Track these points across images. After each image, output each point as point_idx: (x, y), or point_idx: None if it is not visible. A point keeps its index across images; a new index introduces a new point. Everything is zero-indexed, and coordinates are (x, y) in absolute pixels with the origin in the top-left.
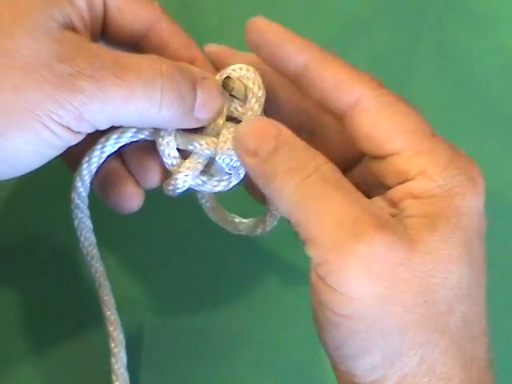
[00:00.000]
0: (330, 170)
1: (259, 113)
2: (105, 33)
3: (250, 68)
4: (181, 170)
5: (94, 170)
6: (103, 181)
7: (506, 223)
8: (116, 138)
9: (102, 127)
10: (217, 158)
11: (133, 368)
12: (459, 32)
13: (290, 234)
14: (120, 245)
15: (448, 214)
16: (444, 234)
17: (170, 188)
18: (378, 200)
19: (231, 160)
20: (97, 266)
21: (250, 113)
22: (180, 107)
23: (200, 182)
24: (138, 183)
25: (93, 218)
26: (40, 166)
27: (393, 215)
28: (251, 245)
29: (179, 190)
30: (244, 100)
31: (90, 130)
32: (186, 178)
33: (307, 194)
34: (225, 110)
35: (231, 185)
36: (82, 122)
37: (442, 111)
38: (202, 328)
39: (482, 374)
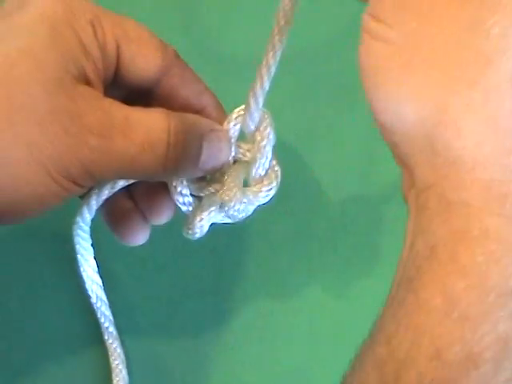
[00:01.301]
0: None
1: (269, 156)
2: (117, 77)
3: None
4: (196, 217)
5: (102, 202)
6: (111, 213)
7: None
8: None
9: (106, 181)
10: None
11: (132, 358)
12: None
13: (290, 234)
14: (120, 245)
15: None
16: None
17: (190, 234)
18: None
19: (241, 204)
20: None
21: (258, 156)
22: (185, 163)
23: (221, 218)
24: (145, 218)
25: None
26: (42, 213)
27: None
28: (251, 244)
29: (198, 235)
30: (252, 143)
31: (96, 184)
32: (202, 223)
33: None
34: (231, 158)
35: (251, 210)
36: (88, 177)
37: None
38: (202, 328)
39: None
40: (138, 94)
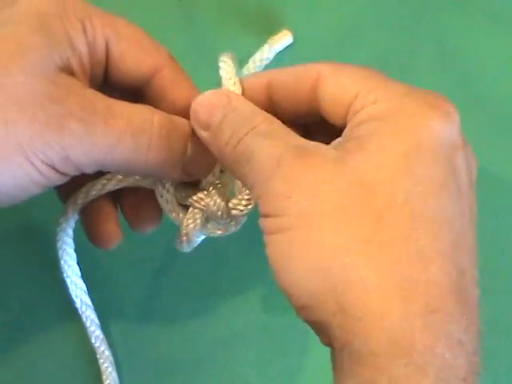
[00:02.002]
0: (266, 125)
1: None
2: (107, 76)
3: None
4: (182, 226)
5: (79, 208)
6: (87, 214)
7: (507, 223)
8: (102, 185)
9: (88, 170)
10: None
11: (131, 358)
12: (459, 32)
13: None
14: (119, 246)
15: (383, 132)
16: (371, 151)
17: (179, 244)
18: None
19: (225, 214)
20: (78, 284)
21: None
22: (167, 159)
23: (213, 230)
24: (118, 223)
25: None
26: (22, 200)
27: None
28: (251, 244)
29: (186, 247)
30: None
31: (76, 173)
32: (189, 233)
33: (241, 149)
34: (218, 167)
35: (241, 223)
36: (67, 163)
37: None
38: (202, 328)
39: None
40: (130, 95)
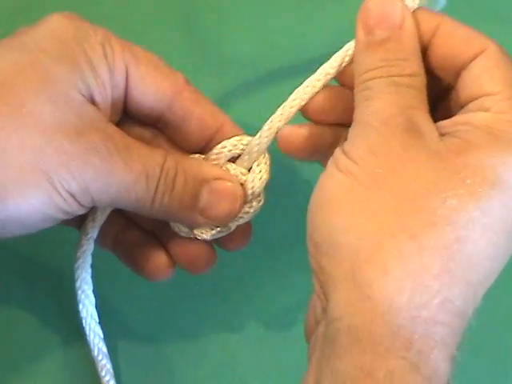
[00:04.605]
0: (409, 80)
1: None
2: (127, 105)
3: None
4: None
5: (99, 228)
6: (130, 251)
7: None
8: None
9: (102, 205)
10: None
11: (130, 358)
12: None
13: (288, 234)
14: None
15: (490, 152)
16: (469, 163)
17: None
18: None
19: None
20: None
21: (251, 184)
22: (173, 203)
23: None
24: (169, 255)
25: None
26: (48, 226)
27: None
28: (251, 245)
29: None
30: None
31: (91, 205)
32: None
33: (373, 85)
34: None
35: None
36: (86, 194)
37: None
38: (202, 328)
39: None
40: (150, 126)
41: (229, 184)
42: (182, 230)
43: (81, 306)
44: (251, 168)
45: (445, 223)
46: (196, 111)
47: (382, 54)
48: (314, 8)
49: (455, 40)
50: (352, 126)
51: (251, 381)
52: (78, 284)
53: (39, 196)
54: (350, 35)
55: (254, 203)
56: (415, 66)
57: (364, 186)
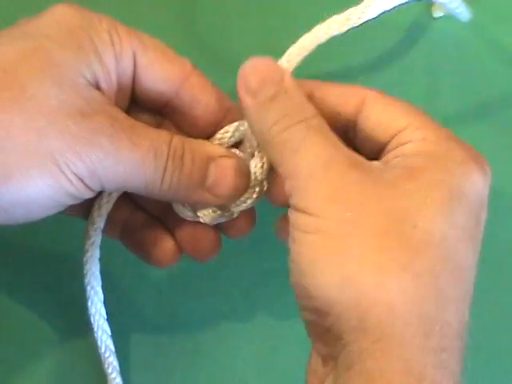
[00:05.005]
0: (318, 121)
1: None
2: (134, 92)
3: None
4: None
5: (105, 217)
6: (137, 237)
7: (507, 223)
8: (109, 193)
9: (110, 188)
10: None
11: (130, 358)
12: (459, 32)
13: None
14: (118, 245)
15: (434, 170)
16: (421, 184)
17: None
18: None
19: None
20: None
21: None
22: (182, 182)
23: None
24: (176, 240)
25: None
26: (54, 213)
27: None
28: (251, 245)
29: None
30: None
31: (100, 189)
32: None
33: (290, 136)
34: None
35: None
36: (94, 177)
37: (442, 111)
38: (202, 328)
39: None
40: (157, 113)
41: (234, 160)
42: (187, 214)
43: (89, 303)
44: (254, 155)
45: (424, 246)
46: (203, 97)
47: (279, 105)
48: (313, 8)
49: (331, 98)
50: (288, 183)
51: (251, 381)
52: (87, 279)
53: (44, 178)
54: (350, 35)
55: (257, 189)
56: (312, 107)
57: (338, 236)
